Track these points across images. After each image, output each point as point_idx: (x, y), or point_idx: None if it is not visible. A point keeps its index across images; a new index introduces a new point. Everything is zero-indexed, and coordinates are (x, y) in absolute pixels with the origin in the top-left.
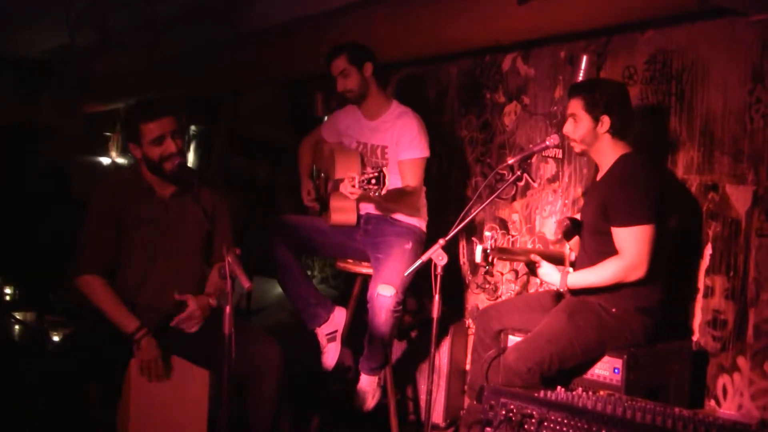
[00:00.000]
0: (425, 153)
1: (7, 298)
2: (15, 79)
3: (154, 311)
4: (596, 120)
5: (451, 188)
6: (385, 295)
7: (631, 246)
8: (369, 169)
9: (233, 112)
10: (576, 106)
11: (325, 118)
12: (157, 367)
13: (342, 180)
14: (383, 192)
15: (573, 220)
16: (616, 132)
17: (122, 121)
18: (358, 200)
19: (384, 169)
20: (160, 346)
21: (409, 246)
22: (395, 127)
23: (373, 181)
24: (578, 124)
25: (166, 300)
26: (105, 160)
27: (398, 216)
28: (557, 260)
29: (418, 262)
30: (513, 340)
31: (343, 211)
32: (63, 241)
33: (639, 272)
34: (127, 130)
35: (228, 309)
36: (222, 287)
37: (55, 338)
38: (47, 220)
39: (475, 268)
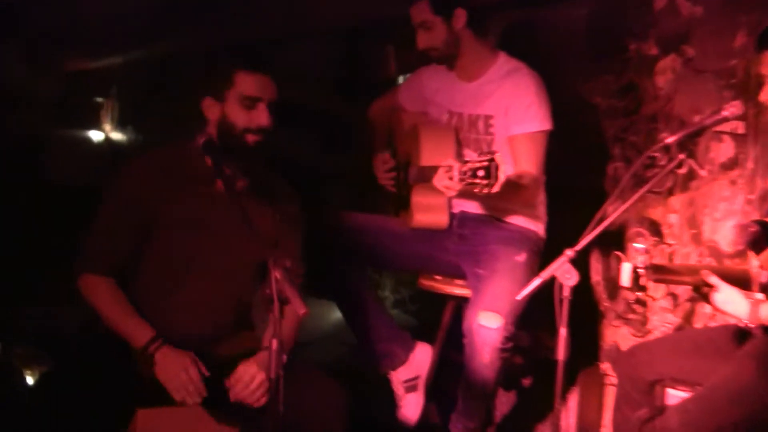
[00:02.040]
0: (546, 125)
1: None
2: None
3: (174, 343)
4: None
5: (578, 178)
6: (488, 326)
7: None
8: (471, 154)
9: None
10: None
11: (400, 79)
12: (190, 378)
13: (431, 169)
14: (496, 188)
15: (764, 225)
16: None
17: (208, 63)
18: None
19: (496, 156)
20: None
21: (522, 258)
22: (504, 90)
23: (481, 172)
24: None
25: (192, 332)
26: (95, 135)
27: (507, 216)
28: (739, 282)
29: (537, 281)
30: (674, 396)
31: (429, 210)
32: (36, 243)
33: None
34: (208, 77)
35: (275, 344)
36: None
37: (29, 379)
38: (14, 215)
39: (614, 291)
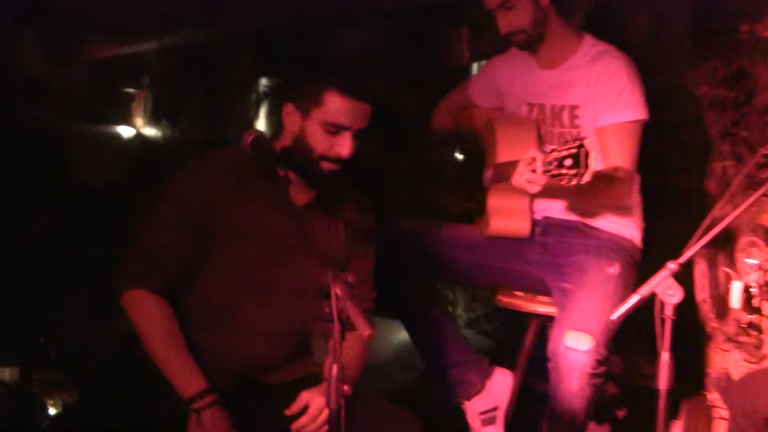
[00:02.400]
0: (641, 114)
1: None
2: None
3: (225, 368)
4: None
5: (678, 178)
6: (577, 349)
7: None
8: (555, 145)
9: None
10: None
11: (474, 68)
12: None
13: (509, 165)
14: (586, 178)
15: None
16: None
17: (298, 64)
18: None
19: (586, 142)
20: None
21: (614, 270)
22: (591, 75)
23: (569, 161)
24: None
25: (247, 358)
26: (124, 131)
27: (597, 221)
28: None
29: (634, 298)
30: None
31: (507, 215)
32: (56, 253)
33: None
34: (295, 84)
35: (334, 370)
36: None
37: (51, 409)
38: (30, 222)
39: (723, 309)
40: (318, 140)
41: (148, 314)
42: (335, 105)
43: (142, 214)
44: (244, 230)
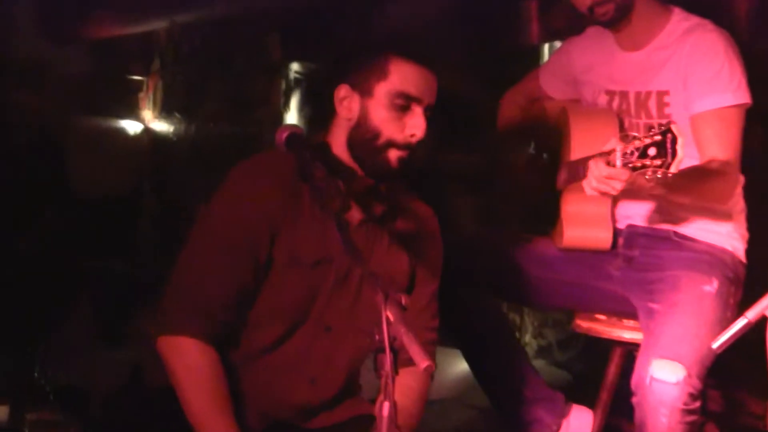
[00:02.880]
0: (742, 97)
1: None
2: None
3: (259, 412)
4: None
5: None
6: (665, 380)
7: None
8: (638, 133)
9: (363, 36)
10: None
11: (545, 50)
12: None
13: (585, 161)
14: (674, 168)
15: None
16: None
17: (352, 35)
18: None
19: (673, 126)
20: None
21: (713, 287)
22: (681, 55)
23: (653, 150)
24: None
25: (288, 398)
26: (131, 126)
27: (691, 230)
28: None
29: (739, 322)
30: None
31: (585, 223)
32: (53, 267)
33: None
34: (350, 58)
35: (385, 409)
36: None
37: None
38: (23, 231)
39: None
40: (386, 121)
41: (192, 366)
42: (404, 73)
43: (186, 238)
44: (298, 256)
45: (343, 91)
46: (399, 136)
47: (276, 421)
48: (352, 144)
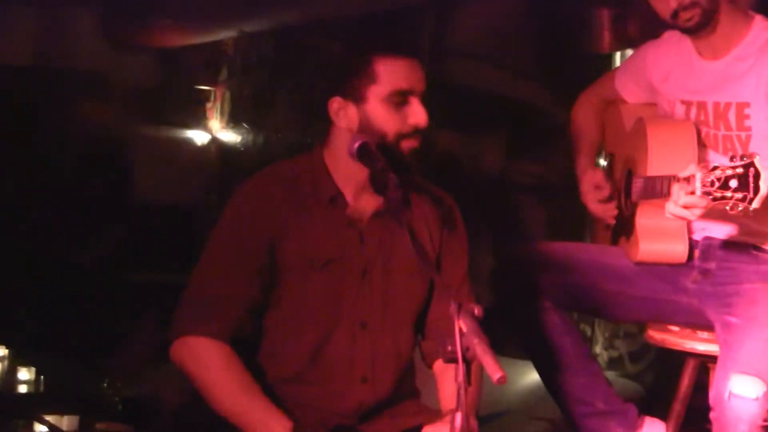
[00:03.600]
0: None
1: (23, 388)
2: None
3: (324, 421)
4: None
5: None
6: (744, 396)
7: None
8: (718, 158)
9: (434, 44)
10: None
11: (617, 57)
12: None
13: (663, 180)
14: (755, 204)
15: None
16: None
17: (327, 51)
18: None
19: (756, 159)
20: None
21: None
22: (764, 65)
23: (734, 182)
24: None
25: (348, 397)
26: (198, 136)
27: None
28: None
29: None
30: None
31: (661, 236)
32: (119, 280)
33: None
34: (337, 68)
35: (458, 420)
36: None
37: None
38: (90, 244)
39: None
40: (388, 119)
41: (207, 363)
42: (392, 70)
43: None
44: (310, 259)
45: (336, 103)
46: (405, 128)
47: (338, 427)
48: (361, 148)
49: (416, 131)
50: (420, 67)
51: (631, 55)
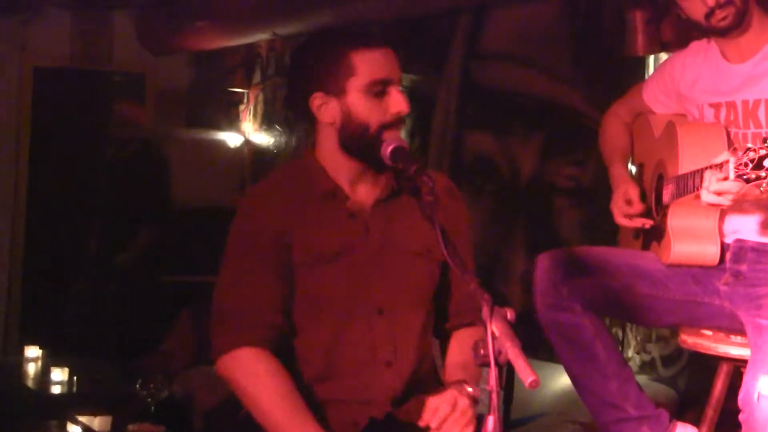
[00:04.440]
0: None
1: (57, 389)
2: None
3: (345, 414)
4: None
5: None
6: None
7: None
8: (748, 145)
9: (471, 49)
10: None
11: (650, 62)
12: None
13: (694, 176)
14: None
15: None
16: None
17: (302, 50)
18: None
19: None
20: None
21: None
22: None
23: (767, 162)
24: None
25: (376, 383)
26: (232, 138)
27: None
28: None
29: None
30: None
31: (692, 238)
32: (152, 282)
33: None
34: (315, 65)
35: (490, 423)
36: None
37: None
38: (125, 246)
39: None
40: (370, 110)
41: (253, 374)
42: (368, 61)
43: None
44: (319, 253)
45: (317, 99)
46: (386, 118)
47: (371, 420)
48: (345, 144)
49: (399, 120)
50: (395, 56)
51: (659, 67)
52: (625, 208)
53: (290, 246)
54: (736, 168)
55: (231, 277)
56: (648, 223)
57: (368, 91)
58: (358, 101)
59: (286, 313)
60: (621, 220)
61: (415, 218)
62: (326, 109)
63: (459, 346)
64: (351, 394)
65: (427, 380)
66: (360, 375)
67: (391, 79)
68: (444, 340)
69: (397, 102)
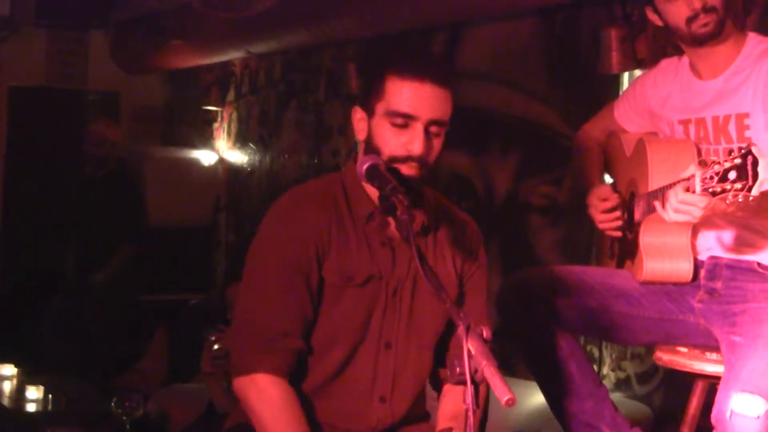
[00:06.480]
0: None
1: (33, 407)
2: (38, 9)
3: None
4: None
5: None
6: (746, 415)
7: None
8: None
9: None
10: None
11: (624, 79)
12: None
13: (663, 190)
14: (755, 191)
15: None
16: None
17: (358, 57)
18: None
19: (753, 148)
20: None
21: None
22: (759, 75)
23: (733, 173)
24: None
25: (367, 416)
26: (206, 156)
27: None
28: None
29: None
30: None
31: (665, 255)
32: (127, 301)
33: None
34: (361, 81)
35: None
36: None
37: None
38: (101, 265)
39: None
40: (386, 138)
41: (267, 400)
42: (398, 91)
43: (243, 275)
44: (347, 277)
45: (357, 113)
46: (398, 151)
47: None
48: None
49: (409, 158)
50: (435, 94)
51: (630, 85)
52: (602, 204)
53: (324, 261)
54: (702, 181)
55: (262, 291)
56: (618, 225)
57: (390, 120)
58: (379, 126)
59: (307, 337)
60: (600, 217)
61: (440, 258)
62: (360, 125)
63: (453, 398)
64: (338, 419)
65: (418, 419)
66: (352, 403)
67: (416, 117)
68: (439, 391)
69: (411, 141)
